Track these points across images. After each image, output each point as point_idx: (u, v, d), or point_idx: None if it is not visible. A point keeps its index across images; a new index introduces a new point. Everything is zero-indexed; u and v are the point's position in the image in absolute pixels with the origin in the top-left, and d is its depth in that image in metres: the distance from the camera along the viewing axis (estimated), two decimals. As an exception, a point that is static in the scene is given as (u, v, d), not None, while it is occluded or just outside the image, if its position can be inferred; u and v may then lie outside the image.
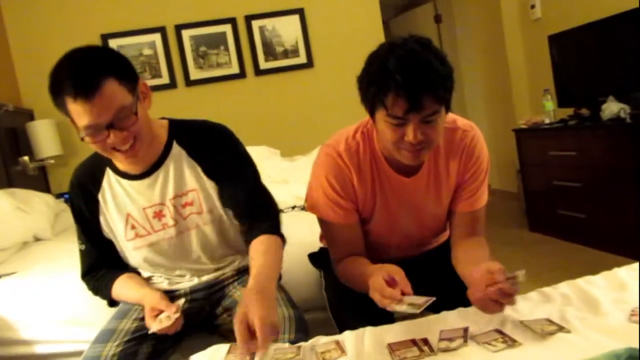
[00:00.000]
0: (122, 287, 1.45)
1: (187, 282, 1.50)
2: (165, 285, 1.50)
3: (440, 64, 1.12)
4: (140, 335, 1.37)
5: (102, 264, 1.49)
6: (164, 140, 1.41)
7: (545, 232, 3.64)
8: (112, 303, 1.51)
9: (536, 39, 4.16)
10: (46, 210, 2.84)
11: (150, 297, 1.36)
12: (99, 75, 1.18)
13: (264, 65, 4.11)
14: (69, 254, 2.16)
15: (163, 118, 1.47)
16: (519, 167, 3.94)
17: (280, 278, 1.67)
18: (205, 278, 1.51)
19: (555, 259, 3.13)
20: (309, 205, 1.41)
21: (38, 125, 3.61)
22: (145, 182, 1.40)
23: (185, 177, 1.41)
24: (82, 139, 1.25)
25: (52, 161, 3.68)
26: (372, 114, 1.21)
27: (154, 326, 1.28)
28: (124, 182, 1.41)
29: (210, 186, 1.42)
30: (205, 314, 1.50)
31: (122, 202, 1.42)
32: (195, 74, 4.03)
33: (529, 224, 3.83)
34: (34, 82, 3.85)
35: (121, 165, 1.39)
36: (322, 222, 1.40)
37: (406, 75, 1.09)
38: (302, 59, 4.15)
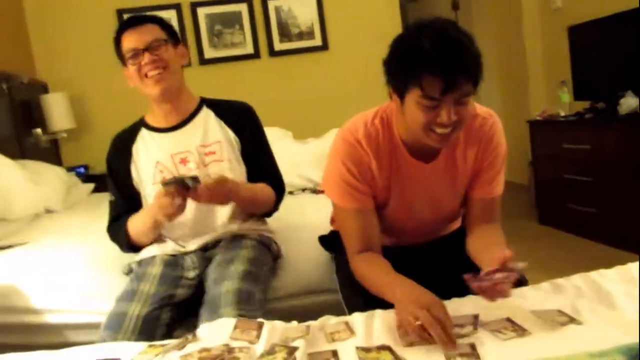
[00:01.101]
0: (134, 216, 1.61)
1: (190, 246, 1.60)
2: (170, 247, 1.60)
3: (472, 45, 1.12)
4: (159, 302, 1.42)
5: (127, 213, 1.63)
6: (195, 104, 1.70)
7: (555, 225, 3.61)
8: (130, 247, 1.64)
9: (555, 29, 4.10)
10: (58, 183, 2.87)
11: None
12: (147, 19, 1.59)
13: (278, 46, 4.08)
14: (79, 227, 2.19)
15: None
16: (531, 159, 3.91)
17: (279, 256, 1.72)
18: (202, 240, 1.60)
19: (564, 253, 3.12)
20: (326, 192, 1.39)
21: (52, 98, 3.62)
22: (176, 132, 1.65)
23: (211, 130, 1.66)
24: (126, 66, 1.59)
25: (65, 135, 3.70)
26: (401, 96, 1.17)
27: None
28: (157, 135, 1.66)
29: (234, 139, 1.67)
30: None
31: (152, 151, 1.64)
32: (209, 52, 4.01)
33: (539, 216, 3.81)
34: (48, 55, 3.87)
35: (155, 117, 1.67)
36: (338, 209, 1.38)
37: (442, 55, 1.07)
38: (317, 41, 4.11)
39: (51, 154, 3.74)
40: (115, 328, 1.34)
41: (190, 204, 1.48)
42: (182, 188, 1.42)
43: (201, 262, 1.56)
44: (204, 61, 4.01)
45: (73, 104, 3.73)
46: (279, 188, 1.72)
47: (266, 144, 1.75)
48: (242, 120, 1.70)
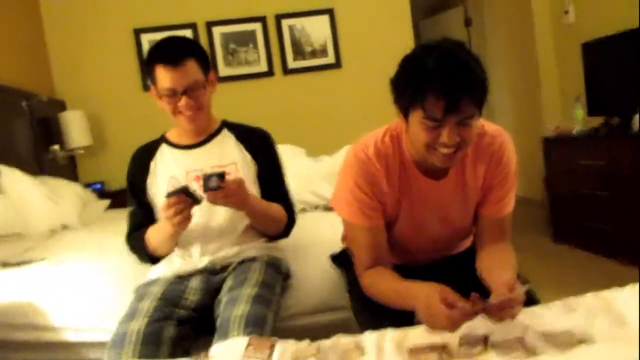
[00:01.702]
0: (152, 228, 1.64)
1: (196, 262, 1.61)
2: (177, 264, 1.61)
3: (477, 67, 1.12)
4: (160, 316, 1.42)
5: (145, 224, 1.66)
6: (217, 126, 1.76)
7: (570, 242, 3.58)
8: (150, 258, 1.66)
9: (568, 45, 4.09)
10: (74, 199, 2.91)
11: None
12: (186, 54, 1.56)
13: (292, 64, 4.13)
14: (96, 243, 2.22)
15: None
16: (545, 175, 3.88)
17: (290, 276, 1.72)
18: (212, 258, 1.60)
19: (579, 270, 3.08)
20: (336, 209, 1.40)
21: (70, 116, 3.69)
22: (195, 151, 1.70)
23: (229, 151, 1.71)
24: (160, 98, 1.59)
25: (82, 151, 3.77)
26: (406, 115, 1.19)
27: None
28: (176, 151, 1.71)
29: (251, 161, 1.71)
30: (211, 307, 1.53)
31: (169, 166, 1.68)
32: (224, 70, 4.07)
33: (553, 233, 3.77)
34: (67, 74, 3.96)
35: (177, 135, 1.72)
36: (347, 225, 1.39)
37: (446, 76, 1.08)
38: (330, 59, 4.16)
39: (68, 170, 3.80)
40: (118, 347, 1.33)
41: (199, 210, 1.53)
42: (185, 197, 1.45)
43: (205, 287, 1.55)
44: (218, 79, 4.00)
45: (90, 121, 3.81)
46: (291, 216, 1.75)
47: (281, 173, 1.78)
48: (260, 147, 1.74)
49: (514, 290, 1.07)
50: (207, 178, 1.45)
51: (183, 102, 1.56)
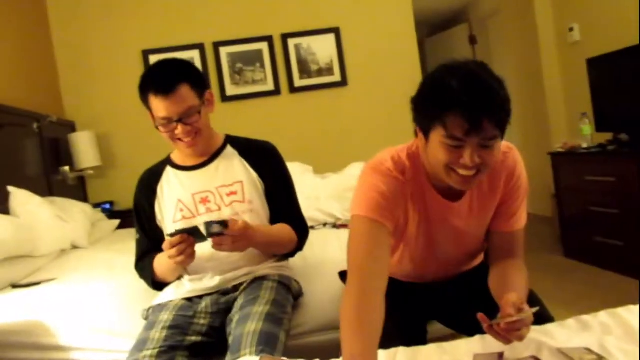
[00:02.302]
0: (159, 257, 1.62)
1: (207, 282, 1.59)
2: (187, 287, 1.60)
3: (501, 89, 1.12)
4: (171, 345, 1.41)
5: (152, 251, 1.65)
6: (220, 142, 1.72)
7: (581, 259, 3.54)
8: (156, 285, 1.66)
9: (574, 62, 4.10)
10: (84, 219, 2.93)
11: None
12: (177, 80, 1.52)
13: (298, 82, 4.17)
14: (105, 262, 2.22)
15: None
16: (554, 192, 3.86)
17: (300, 294, 1.71)
18: (223, 278, 1.59)
19: (591, 287, 3.04)
20: (352, 211, 1.27)
21: (79, 137, 3.73)
22: (199, 172, 1.67)
23: (234, 170, 1.67)
24: (157, 127, 1.57)
25: (91, 172, 3.79)
26: (426, 134, 1.17)
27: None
28: (181, 173, 1.68)
29: (257, 180, 1.67)
30: (221, 328, 1.51)
31: (175, 189, 1.66)
32: (231, 89, 4.11)
33: (564, 250, 3.73)
34: (76, 95, 4.01)
35: (180, 156, 1.69)
36: (354, 223, 1.25)
37: (470, 96, 1.07)
38: (336, 77, 4.19)
39: (78, 190, 3.83)
40: None
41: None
42: (188, 236, 1.43)
43: (215, 308, 1.54)
44: (225, 98, 4.10)
45: (99, 142, 3.84)
46: (302, 229, 1.71)
47: (290, 186, 1.75)
48: (265, 161, 1.70)
49: (521, 311, 1.05)
50: (208, 225, 1.40)
51: (179, 129, 1.54)
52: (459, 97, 1.08)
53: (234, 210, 1.61)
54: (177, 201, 1.64)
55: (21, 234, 2.20)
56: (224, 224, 1.40)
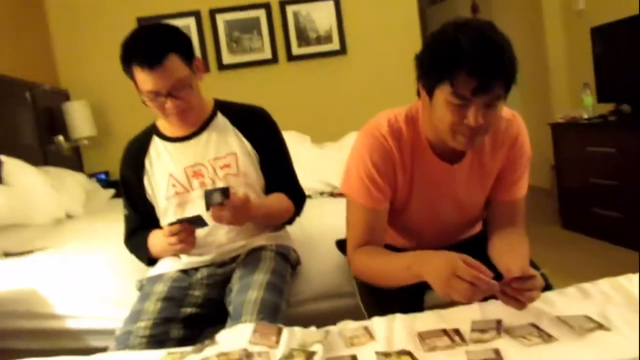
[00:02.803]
0: (153, 235, 1.56)
1: (204, 255, 1.56)
2: (183, 260, 1.57)
3: (509, 48, 1.10)
4: (166, 317, 1.39)
5: (142, 229, 1.59)
6: (209, 110, 1.60)
7: (579, 230, 3.53)
8: (150, 261, 1.60)
9: (578, 31, 4.02)
10: (78, 189, 2.91)
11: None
12: (164, 51, 1.38)
13: (296, 51, 4.08)
14: (100, 233, 2.21)
15: None
16: (554, 163, 3.84)
17: (298, 263, 1.69)
18: (220, 250, 1.55)
19: (588, 258, 3.04)
20: (344, 187, 1.36)
21: (73, 106, 3.67)
22: (189, 143, 1.56)
23: (227, 141, 1.57)
24: (144, 102, 1.46)
25: (86, 142, 3.75)
26: (430, 92, 1.15)
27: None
28: (169, 145, 1.57)
29: (251, 151, 1.58)
30: (217, 299, 1.50)
31: (165, 163, 1.56)
32: (228, 58, 4.03)
33: (562, 221, 3.73)
34: (70, 64, 3.93)
35: (167, 126, 1.57)
36: (350, 202, 1.34)
37: (480, 55, 1.05)
38: (335, 45, 4.10)
39: (73, 160, 3.79)
40: (122, 346, 1.32)
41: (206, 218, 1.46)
42: (188, 224, 1.39)
43: (212, 280, 1.51)
44: (222, 67, 4.02)
45: (94, 111, 3.78)
46: (299, 196, 1.67)
47: (285, 153, 1.68)
48: (259, 129, 1.61)
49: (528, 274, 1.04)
50: (209, 194, 1.35)
51: (169, 104, 1.42)
52: (470, 55, 1.06)
53: (229, 183, 1.52)
54: (168, 176, 1.55)
55: (14, 203, 2.18)
56: (225, 192, 1.34)
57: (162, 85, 1.39)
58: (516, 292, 1.04)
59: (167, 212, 1.56)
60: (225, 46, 4.02)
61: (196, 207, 1.50)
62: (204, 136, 1.57)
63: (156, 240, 1.55)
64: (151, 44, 1.39)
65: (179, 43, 1.43)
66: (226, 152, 1.56)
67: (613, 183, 3.11)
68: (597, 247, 3.24)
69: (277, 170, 1.63)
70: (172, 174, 1.55)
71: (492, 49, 1.07)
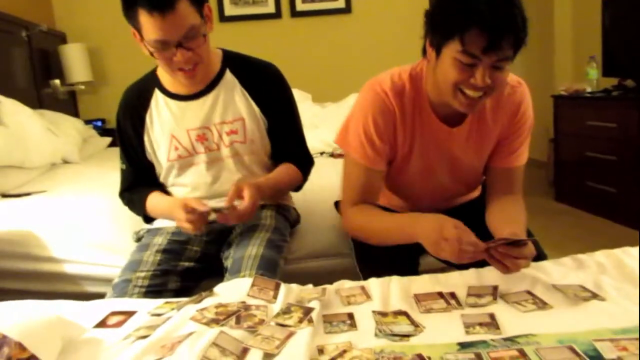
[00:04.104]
0: (156, 198, 1.49)
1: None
2: None
3: (521, 6, 1.08)
4: (164, 269, 1.40)
5: (139, 185, 1.53)
6: (217, 66, 1.46)
7: (571, 203, 3.57)
8: (146, 218, 1.56)
9: (587, 2, 3.95)
10: (75, 134, 2.87)
11: (181, 199, 1.39)
12: None
13: (300, 6, 3.99)
14: (97, 178, 2.20)
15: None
16: (553, 136, 3.83)
17: (297, 222, 1.68)
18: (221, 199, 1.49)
19: (579, 231, 3.08)
20: (340, 140, 1.34)
21: (70, 49, 3.60)
22: (193, 103, 1.45)
23: (235, 104, 1.46)
24: (152, 54, 1.30)
25: (82, 87, 3.68)
26: (439, 49, 1.13)
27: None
28: (172, 102, 1.45)
29: (260, 117, 1.48)
30: (214, 255, 1.49)
31: (167, 122, 1.45)
32: (230, 9, 3.94)
33: (555, 193, 3.76)
34: (68, 5, 3.82)
35: (171, 79, 1.44)
36: (348, 159, 1.33)
37: (493, 12, 1.03)
38: (340, 3, 4.01)
39: (68, 105, 3.74)
40: (119, 293, 1.32)
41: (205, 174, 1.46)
42: (206, 215, 1.33)
43: (211, 237, 1.49)
44: (224, 18, 3.93)
45: (91, 56, 3.71)
46: (307, 164, 1.60)
47: (295, 118, 1.57)
48: (270, 92, 1.49)
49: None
50: (217, 212, 1.32)
51: (179, 56, 1.28)
52: (482, 12, 1.03)
53: (234, 150, 1.47)
54: (170, 136, 1.45)
55: (10, 143, 2.15)
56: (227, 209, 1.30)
57: (172, 33, 1.25)
58: (502, 256, 1.05)
59: (169, 174, 1.51)
60: (228, -4, 3.92)
61: (199, 170, 1.47)
62: (210, 96, 1.45)
63: (159, 203, 1.47)
64: None
65: None
66: (233, 117, 1.46)
67: (611, 158, 3.12)
68: (588, 220, 3.28)
69: (287, 135, 1.55)
70: (175, 135, 1.45)
71: (505, 6, 1.05)
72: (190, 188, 1.50)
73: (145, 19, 1.24)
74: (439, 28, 1.12)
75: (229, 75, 1.47)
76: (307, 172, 1.61)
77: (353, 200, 1.31)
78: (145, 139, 1.48)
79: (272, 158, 1.57)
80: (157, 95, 1.47)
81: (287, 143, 1.55)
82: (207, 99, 1.45)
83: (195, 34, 1.28)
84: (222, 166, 1.48)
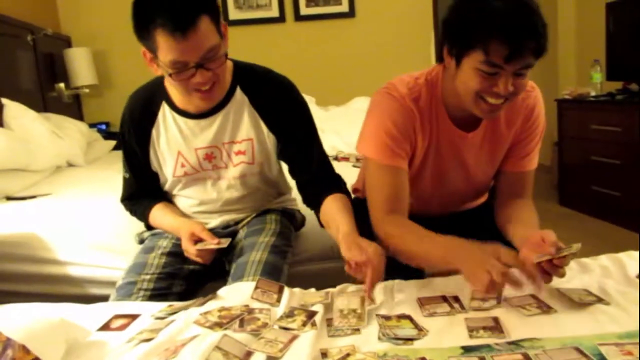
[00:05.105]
0: (161, 212, 1.47)
1: (213, 222, 1.50)
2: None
3: (541, 13, 1.07)
4: (170, 273, 1.40)
5: (142, 194, 1.52)
6: (228, 83, 1.38)
7: (575, 207, 3.56)
8: (149, 227, 1.55)
9: (591, 7, 3.94)
10: (80, 137, 2.89)
11: (191, 224, 1.39)
12: (197, 12, 1.14)
13: (304, 10, 4.00)
14: (101, 181, 2.21)
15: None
16: (557, 140, 3.82)
17: (302, 225, 1.68)
18: (227, 216, 1.51)
19: (583, 235, 3.07)
20: (361, 147, 1.30)
21: (75, 53, 3.62)
22: (202, 122, 1.38)
23: (244, 124, 1.40)
24: (170, 75, 1.21)
25: (87, 90, 3.70)
26: (459, 58, 1.12)
27: (197, 246, 1.32)
28: (180, 120, 1.39)
29: (269, 138, 1.42)
30: (219, 258, 1.47)
31: (174, 139, 1.40)
32: (234, 13, 3.95)
33: (559, 197, 3.75)
34: (73, 9, 3.84)
35: (181, 99, 1.37)
36: (371, 165, 1.27)
37: (515, 20, 1.03)
38: (344, 7, 4.01)
39: (73, 109, 3.75)
40: (123, 294, 1.32)
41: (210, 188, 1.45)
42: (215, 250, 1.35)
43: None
44: (228, 22, 3.93)
45: (96, 59, 3.73)
46: (341, 182, 1.44)
47: (313, 136, 1.45)
48: (282, 110, 1.40)
49: (559, 249, 1.03)
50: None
51: (198, 78, 1.20)
52: (504, 21, 1.03)
53: (242, 171, 1.43)
54: (177, 153, 1.41)
55: (15, 147, 2.17)
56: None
57: (193, 54, 1.16)
58: (552, 269, 1.02)
59: (174, 187, 1.49)
60: (232, 1, 3.93)
61: (205, 186, 1.46)
62: (220, 115, 1.38)
63: (163, 222, 1.46)
64: (180, 2, 1.14)
65: (209, 1, 1.20)
66: (242, 138, 1.40)
67: (615, 162, 3.11)
68: (593, 224, 3.27)
69: (306, 153, 1.43)
70: (182, 153, 1.40)
71: (526, 13, 1.05)
72: (195, 201, 1.49)
73: (163, 39, 1.14)
74: (458, 38, 1.11)
75: (239, 93, 1.40)
76: (345, 187, 1.45)
77: (384, 208, 1.24)
78: (151, 152, 1.43)
79: (292, 174, 1.49)
80: (165, 109, 1.40)
81: (312, 165, 1.43)
82: (217, 118, 1.38)
83: (216, 54, 1.21)
84: (228, 184, 1.46)
